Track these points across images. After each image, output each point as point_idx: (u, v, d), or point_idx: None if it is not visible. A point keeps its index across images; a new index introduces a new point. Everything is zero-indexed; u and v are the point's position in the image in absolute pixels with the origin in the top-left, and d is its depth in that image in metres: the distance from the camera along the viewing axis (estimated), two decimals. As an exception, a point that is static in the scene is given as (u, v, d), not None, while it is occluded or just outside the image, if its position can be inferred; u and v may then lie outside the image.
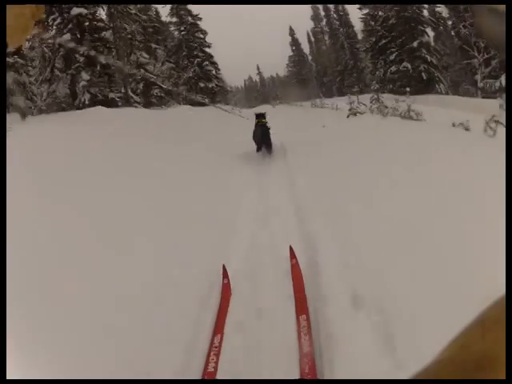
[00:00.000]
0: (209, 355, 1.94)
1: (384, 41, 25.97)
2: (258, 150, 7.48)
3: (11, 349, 0.74)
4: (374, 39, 27.43)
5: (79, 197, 3.77)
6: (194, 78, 25.10)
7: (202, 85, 24.54)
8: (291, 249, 2.81)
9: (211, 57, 26.41)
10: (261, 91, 62.49)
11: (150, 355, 1.90)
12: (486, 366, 0.33)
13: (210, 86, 25.00)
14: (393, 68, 25.01)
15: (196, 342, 2.07)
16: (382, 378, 1.59)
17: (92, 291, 2.33)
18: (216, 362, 1.90)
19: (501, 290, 0.37)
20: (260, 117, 7.92)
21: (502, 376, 0.32)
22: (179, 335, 2.09)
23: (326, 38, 44.92)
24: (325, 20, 44.14)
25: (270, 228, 3.62)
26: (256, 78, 65.95)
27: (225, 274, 2.64)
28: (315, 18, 45.68)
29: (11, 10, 0.54)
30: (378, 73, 27.59)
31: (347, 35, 40.06)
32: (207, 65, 25.84)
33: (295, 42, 49.19)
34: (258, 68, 63.25)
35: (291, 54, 49.31)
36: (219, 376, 1.83)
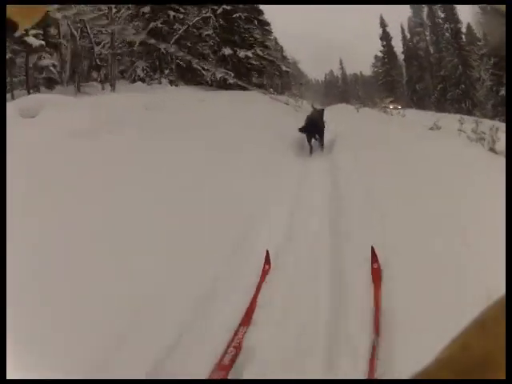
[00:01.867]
0: (228, 346, 1.89)
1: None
2: (309, 142, 6.72)
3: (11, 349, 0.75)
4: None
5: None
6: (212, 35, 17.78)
7: (226, 51, 17.28)
8: (373, 250, 2.54)
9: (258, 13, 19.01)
10: (341, 88, 57.08)
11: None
12: (486, 366, 0.33)
13: (247, 54, 17.33)
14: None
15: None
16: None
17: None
18: (234, 356, 1.84)
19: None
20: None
21: (502, 376, 0.33)
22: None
23: (427, 32, 37.40)
24: (426, 10, 36.46)
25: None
26: (338, 73, 61.18)
27: (267, 260, 2.68)
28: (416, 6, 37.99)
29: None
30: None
31: (455, 32, 32.95)
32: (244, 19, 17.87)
33: (386, 36, 43.43)
34: (341, 62, 57.81)
35: (379, 51, 43.71)
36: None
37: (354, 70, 56.61)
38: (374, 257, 2.49)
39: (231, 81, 14.96)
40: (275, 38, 36.59)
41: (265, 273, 2.58)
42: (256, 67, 16.90)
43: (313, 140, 6.82)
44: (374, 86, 44.10)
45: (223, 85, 16.07)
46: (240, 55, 16.27)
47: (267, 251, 2.71)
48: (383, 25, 42.64)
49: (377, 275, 2.34)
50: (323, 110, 7.85)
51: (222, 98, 11.73)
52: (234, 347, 1.88)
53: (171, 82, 15.66)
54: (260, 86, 17.08)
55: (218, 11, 17.03)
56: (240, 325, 2.06)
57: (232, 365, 1.79)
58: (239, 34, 17.34)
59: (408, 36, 41.05)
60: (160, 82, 15.58)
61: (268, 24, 20.04)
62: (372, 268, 2.43)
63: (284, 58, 36.04)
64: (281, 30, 40.44)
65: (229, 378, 1.74)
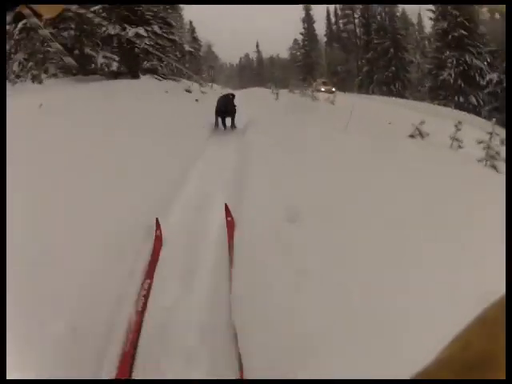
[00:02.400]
0: (139, 298, 2.30)
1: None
2: (217, 123, 7.71)
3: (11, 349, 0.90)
4: (445, 25, 21.45)
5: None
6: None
7: (113, 30, 13.71)
8: (227, 207, 3.25)
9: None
10: (256, 71, 53.42)
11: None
12: (486, 366, 0.33)
13: (138, 31, 13.70)
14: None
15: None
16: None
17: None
18: (144, 304, 2.27)
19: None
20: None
21: (502, 376, 0.32)
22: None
23: (357, 15, 36.48)
24: None
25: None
26: (254, 56, 57.75)
27: (157, 226, 3.02)
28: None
29: None
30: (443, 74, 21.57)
31: (390, 16, 32.33)
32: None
33: (308, 19, 41.87)
34: (258, 45, 53.82)
35: (300, 33, 41.96)
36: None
37: (272, 53, 53.53)
38: (228, 212, 3.16)
39: (114, 67, 11.32)
40: (181, 16, 33.03)
41: (158, 239, 2.99)
42: (148, 48, 13.24)
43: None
44: (292, 69, 42.37)
45: (109, 73, 12.26)
46: (129, 34, 12.46)
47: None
48: (307, 8, 40.91)
49: (230, 225, 3.03)
50: (233, 94, 8.29)
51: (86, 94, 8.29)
52: (143, 296, 2.33)
53: (34, 78, 11.41)
54: (154, 72, 13.55)
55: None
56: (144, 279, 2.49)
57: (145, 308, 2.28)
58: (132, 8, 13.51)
59: (333, 19, 39.72)
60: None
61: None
62: (226, 221, 3.14)
63: (195, 39, 32.34)
64: (195, 10, 36.78)
65: None
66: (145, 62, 13.28)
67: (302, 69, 40.41)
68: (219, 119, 7.81)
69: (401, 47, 31.63)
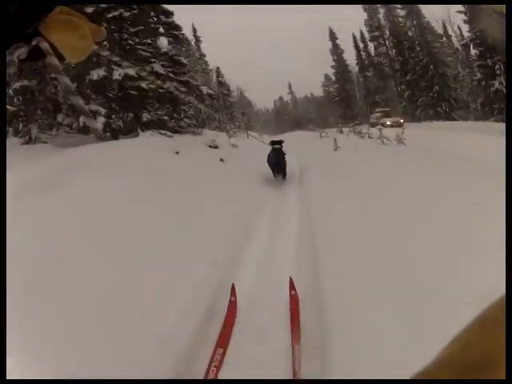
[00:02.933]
0: (209, 367, 1.99)
1: None
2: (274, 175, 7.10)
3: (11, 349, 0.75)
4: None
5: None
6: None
7: (95, 74, 9.61)
8: (291, 281, 2.80)
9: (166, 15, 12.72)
10: (292, 113, 51.63)
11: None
12: (485, 366, 0.33)
13: (128, 72, 9.63)
14: None
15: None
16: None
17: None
18: (215, 373, 1.97)
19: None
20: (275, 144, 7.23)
21: (502, 376, 0.32)
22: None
23: (386, 36, 31.90)
24: (383, 10, 30.83)
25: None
26: (287, 98, 55.67)
27: (233, 292, 2.72)
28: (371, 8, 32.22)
29: (76, 32, 0.60)
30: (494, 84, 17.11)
31: (420, 29, 27.76)
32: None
33: (336, 50, 38.67)
34: (290, 86, 52.48)
35: (330, 66, 38.80)
36: None
37: (305, 92, 51.64)
38: (292, 286, 2.73)
39: (97, 125, 7.64)
40: (206, 62, 30.58)
41: (233, 304, 2.66)
42: (151, 94, 9.61)
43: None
44: (328, 107, 40.08)
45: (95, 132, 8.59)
46: (115, 76, 8.84)
47: (233, 284, 2.80)
48: (333, 38, 38.00)
49: (294, 301, 2.57)
50: (281, 144, 7.22)
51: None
52: (215, 367, 2.01)
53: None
54: (161, 125, 9.79)
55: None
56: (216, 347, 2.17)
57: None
58: (125, 43, 10.12)
59: (361, 45, 36.29)
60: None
61: (179, 28, 13.24)
62: (290, 295, 2.66)
63: (221, 83, 29.46)
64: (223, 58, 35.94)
65: None
66: (145, 114, 9.59)
67: (339, 104, 36.89)
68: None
69: (439, 61, 27.24)
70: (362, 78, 36.45)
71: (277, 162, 6.89)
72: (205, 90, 11.91)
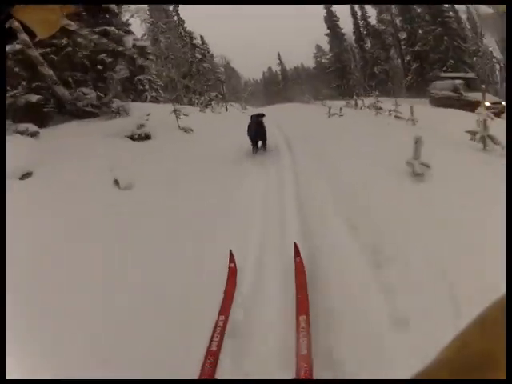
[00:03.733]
0: (213, 335, 2.03)
1: None
2: (254, 147, 7.26)
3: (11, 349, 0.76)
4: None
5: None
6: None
7: None
8: (296, 246, 2.77)
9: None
10: (282, 85, 48.43)
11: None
12: (485, 366, 0.33)
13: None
14: None
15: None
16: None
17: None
18: (219, 342, 2.00)
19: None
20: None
21: (502, 376, 0.32)
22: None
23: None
24: None
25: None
26: (277, 68, 51.90)
27: (231, 259, 2.73)
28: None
29: (45, 6, 0.60)
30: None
31: None
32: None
33: (330, 17, 35.33)
34: (279, 57, 48.76)
35: (324, 34, 35.57)
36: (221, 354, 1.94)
37: (296, 63, 48.06)
38: (297, 252, 2.72)
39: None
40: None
41: (233, 271, 2.61)
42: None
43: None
44: (320, 78, 36.90)
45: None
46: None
47: (230, 251, 2.76)
48: (327, 5, 34.63)
49: (300, 267, 2.52)
50: (263, 115, 7.50)
51: None
52: (218, 334, 2.04)
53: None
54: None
55: None
56: (218, 315, 2.19)
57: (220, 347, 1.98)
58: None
59: (359, 12, 33.05)
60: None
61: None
62: (295, 262, 2.62)
63: (194, 46, 25.54)
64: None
65: None
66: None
67: (333, 75, 34.05)
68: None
69: (455, 34, 24.55)
70: (359, 48, 33.44)
71: (257, 132, 7.09)
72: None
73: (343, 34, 34.98)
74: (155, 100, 13.79)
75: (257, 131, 7.09)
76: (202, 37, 30.31)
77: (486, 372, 0.32)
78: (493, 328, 0.35)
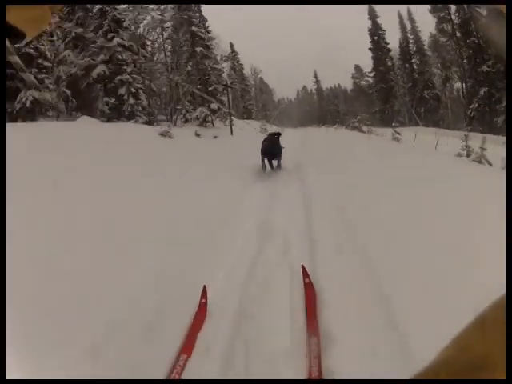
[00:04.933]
0: (170, 374, 1.86)
1: None
2: (263, 164, 6.93)
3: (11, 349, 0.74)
4: None
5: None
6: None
7: None
8: (303, 268, 2.67)
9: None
10: (316, 105, 43.29)
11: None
12: (485, 366, 0.33)
13: None
14: None
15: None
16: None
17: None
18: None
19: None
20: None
21: (502, 376, 0.32)
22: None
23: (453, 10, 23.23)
24: None
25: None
26: (313, 87, 46.89)
27: (204, 295, 2.58)
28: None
29: (29, 8, 0.56)
30: None
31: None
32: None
33: (376, 30, 30.11)
34: (316, 75, 43.95)
35: (369, 48, 30.39)
36: None
37: (332, 83, 43.98)
38: (305, 273, 2.60)
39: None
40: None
41: (203, 307, 2.47)
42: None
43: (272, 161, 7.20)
44: (359, 100, 33.02)
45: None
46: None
47: (204, 286, 2.62)
48: (372, 15, 29.69)
49: (309, 289, 2.45)
50: (279, 134, 7.74)
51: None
52: (177, 374, 1.84)
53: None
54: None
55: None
56: (179, 353, 2.03)
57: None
58: None
59: (409, 26, 27.87)
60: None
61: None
62: (304, 283, 2.54)
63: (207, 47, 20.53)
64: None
65: None
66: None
67: (375, 98, 28.79)
68: (266, 161, 7.08)
69: None
70: (408, 65, 28.01)
71: (268, 148, 6.93)
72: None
73: (389, 50, 29.68)
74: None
75: (269, 147, 6.92)
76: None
77: (485, 372, 0.32)
78: (493, 328, 0.35)
